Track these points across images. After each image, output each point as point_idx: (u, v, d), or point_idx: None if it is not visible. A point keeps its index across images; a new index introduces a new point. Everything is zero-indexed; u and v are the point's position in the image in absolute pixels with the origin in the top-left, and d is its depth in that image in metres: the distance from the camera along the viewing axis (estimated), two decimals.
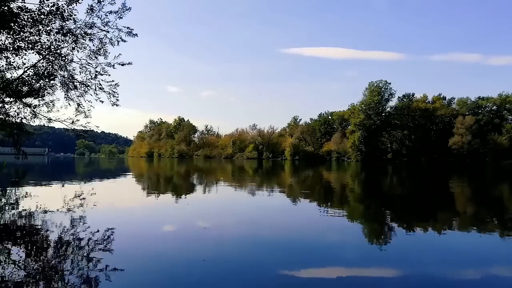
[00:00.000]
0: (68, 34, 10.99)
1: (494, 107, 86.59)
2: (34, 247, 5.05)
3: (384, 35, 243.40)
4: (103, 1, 10.93)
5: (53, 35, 10.84)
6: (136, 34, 11.59)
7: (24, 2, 10.01)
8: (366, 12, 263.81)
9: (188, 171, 32.06)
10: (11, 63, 10.79)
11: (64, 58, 11.40)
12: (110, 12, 11.05)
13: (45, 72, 11.35)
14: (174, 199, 11.21)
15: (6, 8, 9.76)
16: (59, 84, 11.86)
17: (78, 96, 11.97)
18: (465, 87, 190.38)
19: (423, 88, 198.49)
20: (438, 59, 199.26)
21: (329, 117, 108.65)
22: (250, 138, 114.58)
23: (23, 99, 11.51)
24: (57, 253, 4.71)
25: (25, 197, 10.54)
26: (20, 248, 4.94)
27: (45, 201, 9.51)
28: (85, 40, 11.26)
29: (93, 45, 11.43)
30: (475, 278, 4.21)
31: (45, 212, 7.71)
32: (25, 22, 10.18)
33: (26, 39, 10.45)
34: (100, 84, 11.79)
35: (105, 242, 5.26)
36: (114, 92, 11.98)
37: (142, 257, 4.71)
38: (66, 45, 11.22)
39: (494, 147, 77.90)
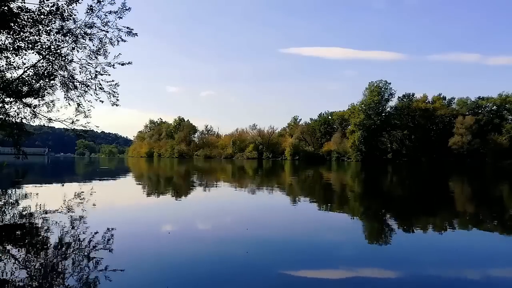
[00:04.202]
0: (68, 34, 10.98)
1: (494, 107, 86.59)
2: (34, 247, 5.05)
3: (383, 35, 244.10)
4: (103, 1, 10.93)
5: (53, 35, 10.84)
6: (136, 33, 11.59)
7: (24, 2, 10.01)
8: (365, 12, 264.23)
9: (188, 171, 32.06)
10: (11, 63, 10.78)
11: (64, 58, 11.39)
12: (110, 12, 11.04)
13: (45, 72, 11.34)
14: (174, 199, 11.21)
15: (6, 8, 9.76)
16: (59, 84, 11.85)
17: (78, 96, 11.96)
18: (465, 87, 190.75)
19: (423, 88, 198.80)
20: (437, 59, 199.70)
21: (329, 117, 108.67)
22: (250, 138, 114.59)
23: (23, 99, 11.50)
24: (57, 253, 4.71)
25: (25, 197, 10.54)
26: (20, 248, 4.95)
27: (45, 201, 9.52)
28: (85, 40, 11.26)
29: (93, 45, 11.42)
30: (475, 278, 4.21)
31: (45, 212, 7.71)
32: (25, 22, 10.17)
33: (26, 39, 10.45)
34: (100, 84, 11.78)
35: (105, 242, 5.26)
36: (114, 92, 11.97)
37: (142, 257, 4.71)
38: (66, 45, 11.21)
39: (494, 147, 77.90)
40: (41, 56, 11.05)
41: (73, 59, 11.49)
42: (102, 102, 12.03)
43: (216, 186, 16.22)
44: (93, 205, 9.05)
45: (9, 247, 4.99)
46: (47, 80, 11.49)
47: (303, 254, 4.97)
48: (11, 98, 11.31)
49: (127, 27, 11.45)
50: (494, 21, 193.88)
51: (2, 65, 10.80)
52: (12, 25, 9.91)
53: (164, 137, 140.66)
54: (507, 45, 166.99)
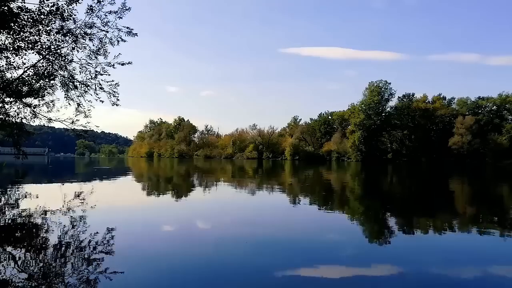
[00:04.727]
0: (68, 34, 10.99)
1: (494, 107, 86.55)
2: (34, 247, 5.05)
3: (383, 35, 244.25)
4: (103, 1, 10.94)
5: (53, 35, 10.85)
6: (136, 33, 11.60)
7: (24, 2, 10.02)
8: (365, 12, 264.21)
9: (188, 171, 32.06)
10: (11, 63, 10.79)
11: (64, 58, 11.40)
12: (110, 12, 11.06)
13: (45, 72, 11.35)
14: (174, 199, 11.21)
15: (6, 8, 9.75)
16: (59, 84, 11.88)
17: (78, 96, 11.99)
18: (465, 87, 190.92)
19: (423, 88, 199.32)
20: (437, 59, 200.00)
21: (329, 117, 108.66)
22: (250, 138, 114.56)
23: (23, 99, 11.50)
24: (57, 254, 4.70)
25: (25, 197, 10.54)
26: (20, 249, 4.94)
27: (45, 201, 9.51)
28: (85, 40, 11.28)
29: (93, 45, 11.45)
30: (475, 278, 4.20)
31: (45, 212, 7.71)
32: (25, 22, 10.17)
33: (26, 39, 10.45)
34: (100, 84, 11.81)
35: (105, 242, 5.25)
36: (114, 92, 12.00)
37: (142, 257, 4.70)
38: (66, 45, 11.22)
39: (494, 147, 77.87)
40: (41, 56, 11.06)
41: (73, 59, 11.52)
42: (102, 102, 12.07)
43: (216, 186, 16.21)
44: (93, 205, 9.04)
45: (9, 247, 4.98)
46: (47, 80, 11.50)
47: (303, 254, 4.96)
48: (11, 98, 11.32)
49: (127, 27, 11.48)
50: (494, 21, 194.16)
51: (2, 65, 10.82)
52: (12, 25, 9.91)
53: (164, 137, 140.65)
54: (507, 45, 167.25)
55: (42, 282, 3.71)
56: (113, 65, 11.59)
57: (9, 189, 12.95)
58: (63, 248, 4.96)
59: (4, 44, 10.32)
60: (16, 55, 10.61)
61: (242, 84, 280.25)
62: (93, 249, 4.88)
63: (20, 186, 13.98)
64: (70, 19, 10.74)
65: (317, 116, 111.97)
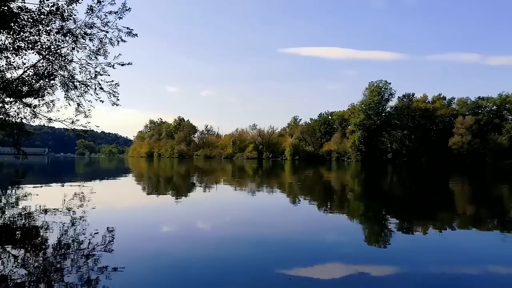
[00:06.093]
0: (68, 34, 10.99)
1: (494, 107, 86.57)
2: (34, 247, 5.05)
3: (383, 35, 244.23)
4: (103, 1, 10.94)
5: (53, 35, 10.85)
6: (136, 34, 11.60)
7: (24, 2, 10.02)
8: (365, 12, 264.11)
9: (188, 171, 32.05)
10: (11, 63, 10.79)
11: (64, 58, 11.40)
12: (110, 12, 11.07)
13: (45, 72, 11.35)
14: (174, 199, 11.21)
15: (6, 8, 9.76)
16: (59, 84, 11.88)
17: (78, 96, 12.00)
18: (465, 87, 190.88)
19: (423, 88, 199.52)
20: (437, 59, 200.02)
21: (329, 117, 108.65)
22: (250, 138, 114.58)
23: (23, 99, 11.50)
24: (57, 253, 4.71)
25: (25, 197, 10.54)
26: (20, 248, 4.94)
27: (45, 201, 9.51)
28: (85, 40, 11.28)
29: (93, 45, 11.44)
30: (475, 278, 4.21)
31: (45, 212, 7.71)
32: (25, 22, 10.18)
33: (26, 39, 10.45)
34: (100, 84, 11.81)
35: (105, 242, 5.26)
36: (114, 92, 12.00)
37: (142, 257, 4.71)
38: (66, 45, 11.22)
39: (494, 147, 77.88)
40: (41, 56, 11.06)
41: (73, 59, 11.52)
42: (102, 102, 12.08)
43: (216, 186, 16.21)
44: (93, 205, 9.05)
45: (9, 247, 4.98)
46: (47, 80, 11.50)
47: (303, 254, 4.97)
48: (11, 98, 11.32)
49: (127, 28, 11.48)
50: (494, 21, 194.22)
51: (2, 65, 10.82)
52: (12, 25, 9.91)
53: (164, 137, 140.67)
54: (507, 45, 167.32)
55: (42, 281, 3.72)
56: (113, 65, 11.60)
57: (9, 189, 12.96)
58: (63, 247, 4.96)
59: (4, 44, 10.32)
60: (16, 55, 10.61)
61: (242, 84, 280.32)
62: (93, 248, 4.89)
63: (20, 186, 13.98)
64: (70, 19, 10.74)
65: (317, 116, 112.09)
